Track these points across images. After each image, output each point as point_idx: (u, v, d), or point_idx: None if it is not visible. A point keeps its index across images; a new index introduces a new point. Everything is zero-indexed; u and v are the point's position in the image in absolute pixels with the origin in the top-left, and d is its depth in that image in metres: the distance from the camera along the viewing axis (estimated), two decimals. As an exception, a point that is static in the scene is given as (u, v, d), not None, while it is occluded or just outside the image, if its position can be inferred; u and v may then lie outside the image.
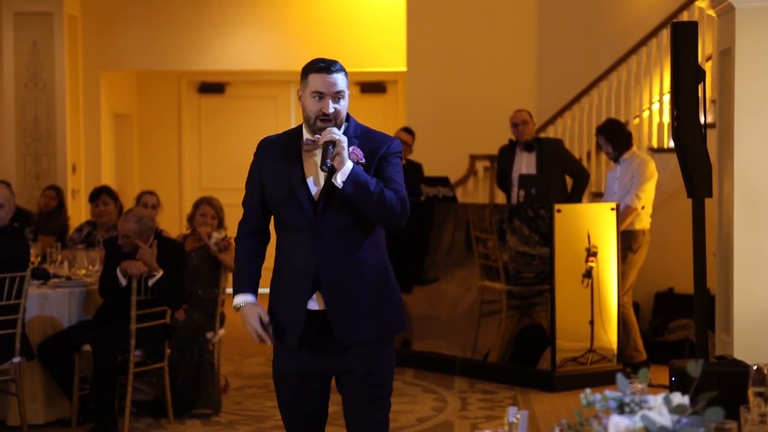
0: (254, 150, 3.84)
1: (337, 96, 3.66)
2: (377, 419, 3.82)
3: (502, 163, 8.93)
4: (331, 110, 3.64)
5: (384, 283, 3.78)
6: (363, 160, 3.67)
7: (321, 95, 3.65)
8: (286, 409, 3.85)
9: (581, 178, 8.64)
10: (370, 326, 3.74)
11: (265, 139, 3.85)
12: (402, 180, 3.73)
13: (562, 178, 8.57)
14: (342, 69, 3.72)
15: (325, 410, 3.91)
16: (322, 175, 3.68)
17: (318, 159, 3.67)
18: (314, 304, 3.71)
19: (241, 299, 3.75)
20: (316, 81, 3.67)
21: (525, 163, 8.67)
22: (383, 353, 3.78)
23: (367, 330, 3.73)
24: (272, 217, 3.83)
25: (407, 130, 9.53)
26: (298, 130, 3.77)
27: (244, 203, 3.85)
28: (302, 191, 3.67)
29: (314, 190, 3.69)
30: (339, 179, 3.57)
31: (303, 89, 3.71)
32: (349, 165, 3.59)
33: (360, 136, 3.72)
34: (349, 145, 3.63)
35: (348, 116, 3.74)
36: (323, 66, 3.68)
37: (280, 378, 3.84)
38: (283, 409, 3.87)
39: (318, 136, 3.63)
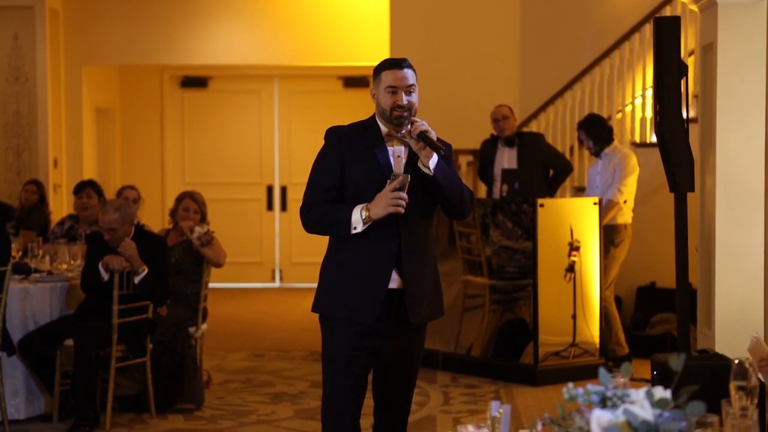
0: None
1: (409, 89, 3.98)
2: (410, 394, 4.19)
3: (483, 157, 8.94)
4: (405, 101, 3.95)
5: (437, 270, 4.14)
6: (444, 152, 3.97)
7: (394, 89, 3.95)
8: (341, 384, 3.98)
9: (563, 171, 8.67)
10: (432, 308, 4.08)
11: (336, 127, 4.09)
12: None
13: (544, 171, 8.59)
14: (411, 66, 4.02)
15: (365, 388, 4.10)
16: (396, 164, 3.97)
17: (397, 150, 3.98)
18: (393, 282, 3.96)
19: (358, 208, 3.88)
20: (388, 77, 3.97)
21: (507, 158, 8.69)
22: (424, 333, 4.17)
23: (431, 311, 4.08)
24: (345, 200, 3.98)
25: None
26: (372, 122, 4.05)
27: (314, 187, 4.01)
28: (390, 175, 3.92)
29: None
30: (431, 167, 3.90)
31: (376, 87, 4.00)
32: (436, 156, 3.92)
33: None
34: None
35: None
36: (394, 62, 4.00)
37: (340, 355, 3.98)
38: (335, 385, 4.00)
39: (409, 127, 3.90)
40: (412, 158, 3.97)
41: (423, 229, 4.03)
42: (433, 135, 3.88)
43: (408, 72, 3.99)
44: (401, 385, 4.15)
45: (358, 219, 3.89)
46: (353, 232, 3.89)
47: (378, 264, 3.94)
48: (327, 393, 4.05)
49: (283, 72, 13.31)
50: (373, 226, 3.90)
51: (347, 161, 3.97)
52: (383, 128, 4.01)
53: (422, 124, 3.90)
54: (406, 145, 3.98)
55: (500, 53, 11.21)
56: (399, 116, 3.94)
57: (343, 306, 3.97)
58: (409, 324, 4.01)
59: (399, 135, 3.97)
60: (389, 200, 3.85)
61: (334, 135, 4.05)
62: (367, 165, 3.95)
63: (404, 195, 3.85)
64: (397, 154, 4.01)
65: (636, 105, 9.66)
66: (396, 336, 4.03)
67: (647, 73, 9.25)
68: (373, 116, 4.06)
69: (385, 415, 4.17)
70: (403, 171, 3.94)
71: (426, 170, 3.91)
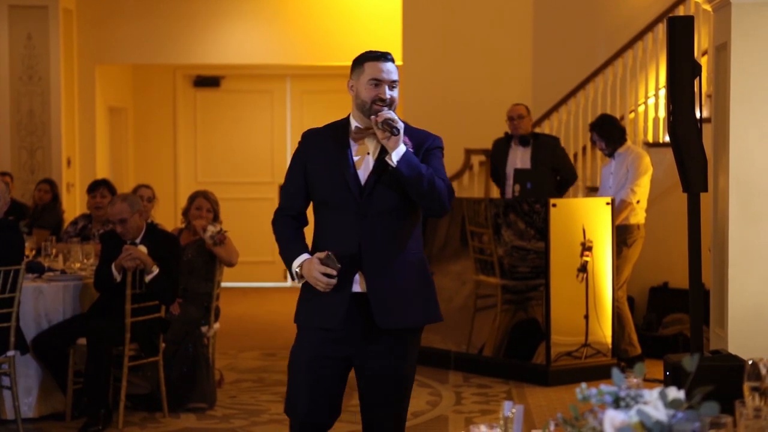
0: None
1: (392, 84, 3.80)
2: (397, 416, 3.85)
3: (495, 156, 8.92)
4: (388, 96, 3.77)
5: (424, 273, 3.89)
6: (411, 150, 3.77)
7: (377, 82, 3.77)
8: (306, 392, 3.80)
9: (569, 179, 8.65)
10: (409, 313, 3.81)
11: (310, 130, 3.96)
12: (445, 172, 3.85)
13: (552, 175, 8.58)
14: (394, 61, 3.85)
15: (340, 399, 3.89)
16: (369, 161, 3.79)
17: (369, 147, 3.79)
18: (356, 286, 3.76)
19: (299, 259, 3.78)
20: (372, 68, 3.78)
21: (520, 158, 8.67)
22: (413, 343, 3.85)
23: (406, 316, 3.80)
24: (311, 204, 3.91)
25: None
26: (344, 122, 3.88)
27: (283, 191, 3.96)
28: (350, 174, 3.77)
29: (362, 174, 3.79)
30: (394, 158, 3.67)
31: (357, 78, 3.81)
32: (402, 147, 3.71)
33: (404, 129, 3.81)
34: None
35: None
36: (380, 54, 3.81)
37: (305, 360, 3.81)
38: (300, 391, 3.82)
39: (374, 117, 3.71)
40: (382, 154, 3.76)
41: (393, 226, 3.78)
42: (400, 125, 3.67)
43: (392, 66, 3.82)
44: (386, 407, 3.83)
45: (295, 270, 3.77)
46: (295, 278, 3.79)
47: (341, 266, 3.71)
48: (288, 395, 3.89)
49: (295, 72, 13.32)
50: (335, 227, 3.78)
51: (310, 164, 3.85)
52: (354, 125, 3.82)
53: (388, 112, 3.71)
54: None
55: (513, 53, 11.20)
56: (379, 110, 3.74)
57: (307, 313, 3.83)
58: (386, 331, 3.76)
59: (354, 134, 3.80)
60: (313, 277, 3.70)
61: (304, 138, 3.93)
62: (328, 167, 3.80)
63: (329, 281, 3.67)
64: (368, 152, 3.80)
65: (649, 105, 9.64)
66: (369, 344, 3.77)
67: (660, 72, 9.23)
68: (348, 115, 3.88)
69: None
70: (371, 168, 3.76)
71: (390, 162, 3.68)
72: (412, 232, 3.85)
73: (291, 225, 3.89)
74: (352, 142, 3.81)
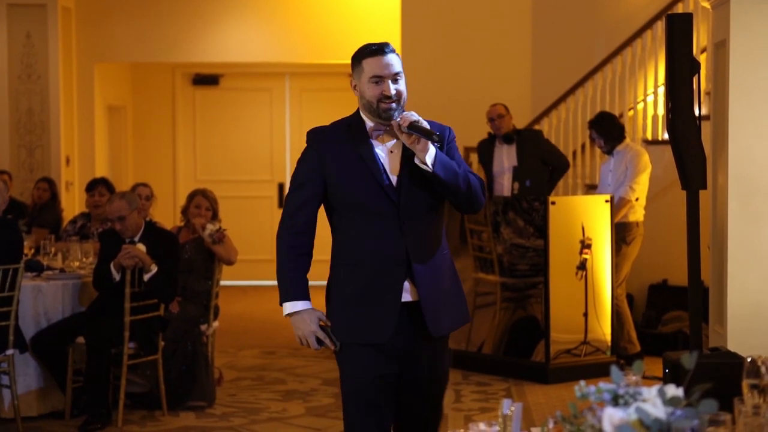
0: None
1: (395, 77, 3.55)
2: (435, 418, 3.70)
3: (481, 157, 9.04)
4: (393, 91, 3.53)
5: (455, 270, 3.72)
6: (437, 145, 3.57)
7: (379, 79, 3.53)
8: (363, 418, 3.57)
9: (560, 167, 8.72)
10: (454, 316, 3.68)
11: (316, 128, 3.67)
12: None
13: (542, 167, 8.62)
14: (394, 50, 3.60)
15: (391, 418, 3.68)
16: (390, 160, 3.57)
17: (389, 144, 3.57)
18: (407, 295, 3.55)
19: (299, 305, 3.57)
20: (371, 65, 3.54)
21: (506, 155, 8.78)
22: (447, 346, 3.72)
23: (452, 320, 3.67)
24: (332, 210, 3.63)
25: None
26: (356, 119, 3.63)
27: (288, 202, 3.64)
28: (382, 176, 3.53)
29: (392, 176, 3.56)
30: (428, 162, 3.47)
31: (358, 77, 3.58)
32: (432, 149, 3.50)
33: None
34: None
35: None
36: (376, 48, 3.56)
37: (366, 383, 3.55)
38: (357, 419, 3.58)
39: (397, 119, 3.51)
40: (407, 152, 3.53)
41: (430, 228, 3.59)
42: (425, 124, 3.46)
43: (393, 58, 3.55)
44: (432, 411, 3.68)
45: (291, 308, 3.59)
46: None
47: (386, 275, 3.52)
48: (348, 424, 3.63)
49: (294, 70, 13.32)
50: (377, 234, 3.53)
51: (329, 168, 3.55)
52: (369, 123, 3.59)
53: (411, 114, 3.47)
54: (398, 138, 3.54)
55: (511, 51, 11.20)
56: (387, 108, 3.51)
57: (350, 326, 3.57)
58: (431, 338, 3.59)
59: (386, 129, 3.56)
60: (304, 334, 3.54)
61: (313, 139, 3.61)
62: (355, 169, 3.53)
63: (317, 346, 3.54)
64: (389, 149, 3.57)
65: (648, 102, 9.63)
66: (418, 353, 3.60)
67: (659, 70, 9.23)
68: (357, 111, 3.64)
69: None
70: (399, 169, 3.52)
71: (425, 167, 3.46)
72: (442, 229, 3.69)
73: (294, 252, 3.61)
74: (373, 141, 3.58)
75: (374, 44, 3.59)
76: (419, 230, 3.57)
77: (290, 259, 3.61)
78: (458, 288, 3.71)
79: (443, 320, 3.61)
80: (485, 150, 8.97)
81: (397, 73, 3.55)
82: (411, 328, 3.57)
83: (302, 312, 3.57)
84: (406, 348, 3.58)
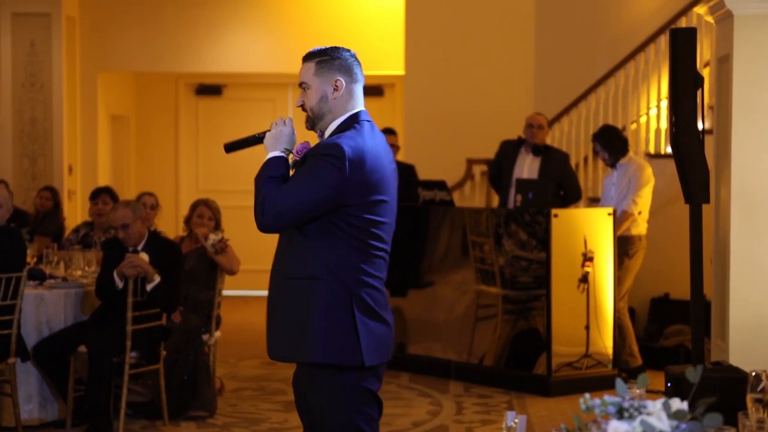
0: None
1: (301, 86, 3.43)
2: None
3: (502, 159, 8.79)
4: (299, 103, 3.44)
5: (308, 298, 3.48)
6: (298, 157, 3.44)
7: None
8: None
9: (573, 198, 8.65)
10: (291, 345, 3.59)
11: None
12: (304, 183, 3.36)
13: (557, 190, 8.56)
14: (315, 57, 3.38)
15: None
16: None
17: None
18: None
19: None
20: None
21: (528, 165, 8.61)
22: (327, 379, 3.52)
23: (288, 348, 3.60)
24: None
25: (388, 131, 9.14)
26: None
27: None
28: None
29: None
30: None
31: None
32: (272, 154, 3.46)
33: (330, 136, 3.42)
34: (298, 143, 3.45)
35: (350, 118, 3.40)
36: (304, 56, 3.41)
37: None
38: None
39: (317, 133, 3.49)
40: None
41: (293, 246, 3.43)
42: (283, 136, 3.45)
43: (304, 66, 3.37)
44: None
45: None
46: None
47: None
48: None
49: (297, 80, 13.31)
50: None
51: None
52: None
53: (276, 124, 3.46)
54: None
55: (515, 63, 11.22)
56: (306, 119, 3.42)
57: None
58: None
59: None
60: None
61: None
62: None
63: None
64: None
65: (651, 116, 9.64)
66: (296, 379, 3.57)
67: (662, 84, 9.24)
68: None
69: None
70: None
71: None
72: (321, 257, 3.50)
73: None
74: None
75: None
76: (281, 247, 3.53)
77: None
78: (309, 321, 3.38)
79: (277, 345, 3.50)
80: (509, 152, 8.73)
81: (301, 83, 3.42)
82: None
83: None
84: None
